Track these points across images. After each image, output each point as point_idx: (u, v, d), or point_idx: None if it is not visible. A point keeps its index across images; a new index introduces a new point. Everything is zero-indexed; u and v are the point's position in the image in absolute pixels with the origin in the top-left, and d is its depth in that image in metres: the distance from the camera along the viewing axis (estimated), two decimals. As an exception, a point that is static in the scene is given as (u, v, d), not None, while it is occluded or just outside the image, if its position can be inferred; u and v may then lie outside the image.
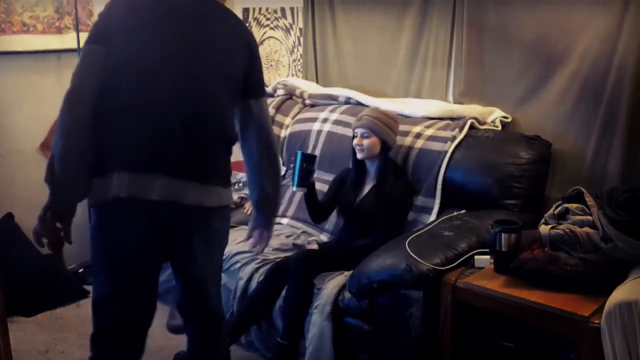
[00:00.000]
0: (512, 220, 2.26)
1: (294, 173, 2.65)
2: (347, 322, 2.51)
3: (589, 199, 2.22)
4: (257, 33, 4.09)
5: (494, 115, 2.98)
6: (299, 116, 3.59)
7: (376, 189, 2.79)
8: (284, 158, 3.56)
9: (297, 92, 3.66)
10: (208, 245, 1.99)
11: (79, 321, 3.17)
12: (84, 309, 3.27)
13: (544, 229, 2.17)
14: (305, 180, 2.65)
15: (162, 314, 3.10)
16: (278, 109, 3.68)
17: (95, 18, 3.52)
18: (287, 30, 3.92)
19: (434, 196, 2.82)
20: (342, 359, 2.51)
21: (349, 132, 3.22)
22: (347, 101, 3.44)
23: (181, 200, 1.86)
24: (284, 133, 3.60)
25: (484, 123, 2.95)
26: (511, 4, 2.88)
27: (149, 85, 1.84)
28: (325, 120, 3.40)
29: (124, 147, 1.84)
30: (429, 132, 2.98)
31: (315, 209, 2.88)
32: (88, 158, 1.83)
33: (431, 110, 3.10)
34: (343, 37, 3.60)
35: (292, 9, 3.86)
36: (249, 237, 2.23)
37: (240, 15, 4.16)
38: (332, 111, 3.42)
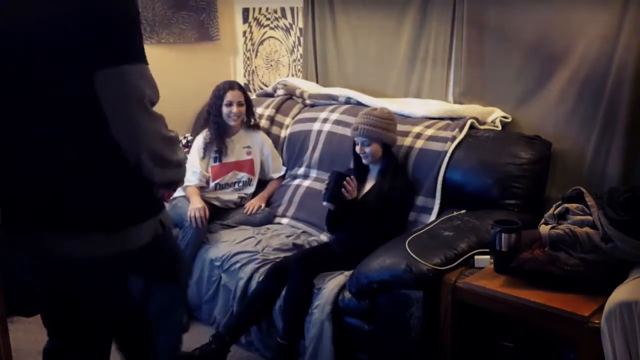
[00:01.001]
0: (512, 220, 2.26)
1: (327, 189, 2.73)
2: (347, 322, 2.51)
3: (589, 199, 2.22)
4: (257, 33, 4.09)
5: (494, 115, 2.98)
6: (299, 116, 3.59)
7: (378, 187, 2.80)
8: (284, 158, 3.57)
9: (297, 92, 3.66)
10: None
11: (79, 321, 3.17)
12: (84, 309, 3.27)
13: (544, 229, 2.17)
14: (335, 197, 2.71)
15: (162, 314, 3.10)
16: (278, 109, 3.68)
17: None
18: (287, 30, 3.92)
19: (434, 196, 2.82)
20: (342, 359, 2.51)
21: (349, 132, 3.23)
22: (347, 101, 3.44)
23: None
24: (284, 133, 3.60)
25: (484, 123, 2.95)
26: (511, 4, 2.88)
27: None
28: (325, 120, 3.40)
29: None
30: (429, 132, 2.98)
31: (336, 223, 2.87)
32: None
33: (431, 110, 3.10)
34: (343, 37, 3.60)
35: (292, 9, 3.86)
36: None
37: (240, 15, 4.17)
38: (332, 111, 3.42)
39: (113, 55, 1.43)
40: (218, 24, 4.09)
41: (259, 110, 3.62)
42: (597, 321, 1.89)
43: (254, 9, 4.07)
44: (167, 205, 3.32)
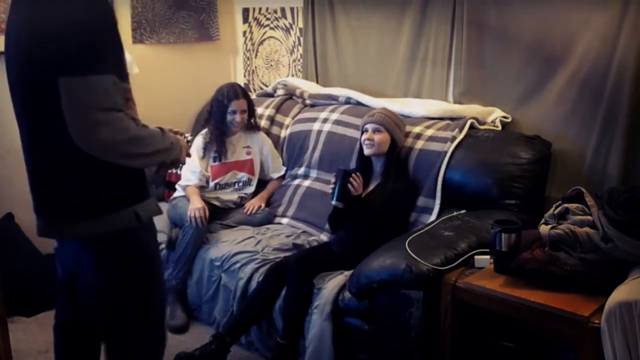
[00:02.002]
0: (512, 220, 2.25)
1: (334, 188, 2.71)
2: (347, 322, 2.51)
3: (589, 199, 2.22)
4: (257, 33, 4.09)
5: (494, 115, 2.98)
6: (299, 116, 3.59)
7: (381, 187, 2.80)
8: (284, 158, 3.57)
9: (297, 92, 3.66)
10: None
11: (79, 321, 3.17)
12: (84, 309, 3.27)
13: (544, 229, 2.17)
14: (344, 196, 2.70)
15: (162, 314, 3.11)
16: (278, 109, 3.68)
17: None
18: (287, 30, 3.92)
19: (434, 196, 2.82)
20: (342, 359, 2.51)
21: (349, 132, 3.23)
22: (347, 101, 3.44)
23: None
24: (284, 133, 3.60)
25: (484, 123, 2.95)
26: (511, 4, 2.88)
27: None
28: (325, 120, 3.40)
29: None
30: (429, 132, 2.98)
31: (340, 222, 2.86)
32: None
33: (431, 110, 3.10)
34: (343, 37, 3.60)
35: (292, 9, 3.86)
36: None
37: (240, 15, 4.17)
38: (332, 111, 3.42)
39: (73, 66, 1.56)
40: (218, 24, 4.09)
41: (259, 110, 3.62)
42: (597, 321, 1.89)
43: (254, 9, 4.08)
44: (167, 205, 3.35)
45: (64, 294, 1.95)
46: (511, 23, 2.90)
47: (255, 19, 4.08)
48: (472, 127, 2.90)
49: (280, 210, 3.35)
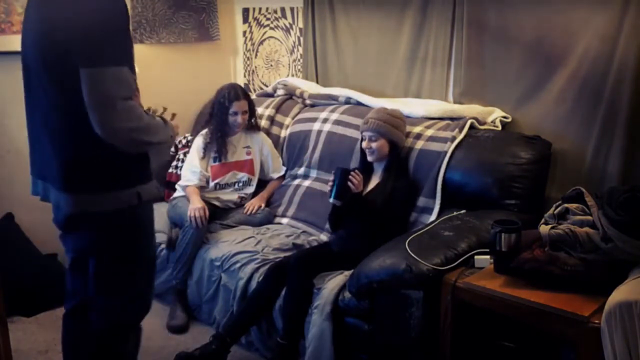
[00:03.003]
0: (512, 220, 2.25)
1: (332, 186, 2.71)
2: (347, 322, 2.51)
3: (589, 199, 2.22)
4: (257, 33, 4.09)
5: (494, 115, 2.98)
6: (299, 116, 3.59)
7: (381, 186, 2.80)
8: (284, 158, 3.57)
9: (297, 92, 3.66)
10: None
11: (79, 321, 3.17)
12: (84, 309, 3.27)
13: (544, 229, 2.17)
14: (342, 194, 2.70)
15: (162, 314, 3.11)
16: (278, 109, 3.68)
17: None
18: (287, 30, 3.92)
19: (434, 196, 2.82)
20: (342, 359, 2.51)
21: (349, 132, 3.23)
22: (347, 101, 3.44)
23: None
24: (284, 133, 3.60)
25: (484, 123, 2.95)
26: (511, 4, 2.88)
27: None
28: (325, 120, 3.40)
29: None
30: (429, 132, 2.98)
31: (340, 220, 2.86)
32: None
33: (431, 110, 3.10)
34: (343, 37, 3.60)
35: (292, 9, 3.86)
36: None
37: (240, 15, 4.17)
38: (332, 111, 3.42)
39: (89, 58, 1.69)
40: (218, 24, 4.09)
41: (259, 110, 3.62)
42: (597, 321, 1.89)
43: (254, 9, 4.08)
44: (167, 205, 3.35)
45: (74, 273, 2.10)
46: (511, 23, 2.90)
47: (255, 19, 4.08)
48: (472, 127, 2.90)
49: (280, 210, 3.35)
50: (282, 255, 2.89)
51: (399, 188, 2.80)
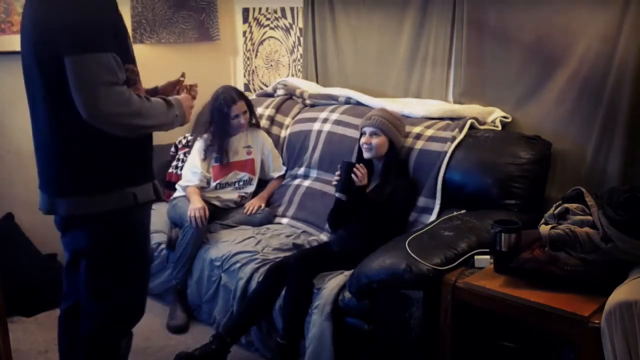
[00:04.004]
0: (512, 220, 2.25)
1: (339, 180, 2.73)
2: (347, 322, 2.51)
3: (589, 199, 2.22)
4: (257, 33, 4.09)
5: (494, 115, 2.98)
6: (299, 116, 3.59)
7: (381, 186, 2.80)
8: (284, 158, 3.57)
9: (297, 92, 3.66)
10: None
11: (79, 321, 3.17)
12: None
13: (544, 229, 2.17)
14: (348, 188, 2.71)
15: (162, 314, 3.12)
16: (278, 109, 3.68)
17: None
18: (287, 30, 3.92)
19: (434, 196, 2.82)
20: (342, 359, 2.51)
21: (349, 132, 3.23)
22: (347, 101, 3.44)
23: None
24: (284, 133, 3.60)
25: (484, 123, 2.95)
26: (511, 4, 2.88)
27: None
28: (325, 120, 3.40)
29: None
30: (429, 132, 2.98)
31: (342, 217, 2.85)
32: None
33: (431, 110, 3.10)
34: (343, 37, 3.60)
35: (292, 9, 3.86)
36: None
37: (240, 15, 4.17)
38: (332, 111, 3.42)
39: (72, 46, 1.71)
40: (218, 24, 4.09)
41: (259, 110, 3.62)
42: (597, 321, 1.89)
43: (254, 9, 4.07)
44: (167, 205, 3.35)
45: (69, 274, 2.10)
46: (511, 23, 2.90)
47: (255, 19, 4.08)
48: (472, 127, 2.90)
49: (280, 210, 3.35)
50: (282, 255, 2.89)
51: (399, 188, 2.80)
